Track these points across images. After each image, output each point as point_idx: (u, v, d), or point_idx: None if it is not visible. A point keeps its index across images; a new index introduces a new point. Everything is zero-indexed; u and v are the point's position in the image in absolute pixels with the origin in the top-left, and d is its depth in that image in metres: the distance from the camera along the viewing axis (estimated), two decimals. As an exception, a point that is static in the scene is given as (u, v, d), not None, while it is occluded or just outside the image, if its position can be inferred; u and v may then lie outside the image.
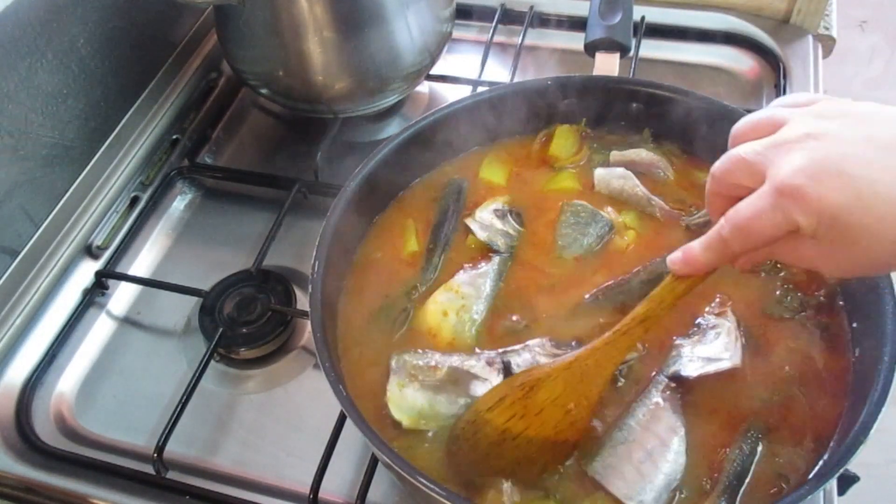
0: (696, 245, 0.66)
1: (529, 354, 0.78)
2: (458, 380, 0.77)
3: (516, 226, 0.91)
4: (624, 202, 0.92)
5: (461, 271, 0.88)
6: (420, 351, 0.81)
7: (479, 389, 0.76)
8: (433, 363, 0.79)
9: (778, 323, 0.81)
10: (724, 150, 0.66)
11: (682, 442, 0.73)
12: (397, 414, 0.76)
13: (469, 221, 0.91)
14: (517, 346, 0.80)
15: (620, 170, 0.93)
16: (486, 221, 0.91)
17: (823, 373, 0.77)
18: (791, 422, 0.74)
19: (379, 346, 0.83)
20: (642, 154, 0.95)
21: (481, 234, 0.90)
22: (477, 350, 0.81)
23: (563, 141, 0.97)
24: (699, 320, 0.80)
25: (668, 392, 0.75)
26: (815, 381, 0.77)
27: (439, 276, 0.88)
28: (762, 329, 0.80)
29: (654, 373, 0.77)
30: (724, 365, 0.76)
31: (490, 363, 0.78)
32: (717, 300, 0.82)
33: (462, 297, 0.85)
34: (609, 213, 0.91)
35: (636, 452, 0.72)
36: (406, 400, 0.77)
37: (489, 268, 0.87)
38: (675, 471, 0.71)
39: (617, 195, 0.92)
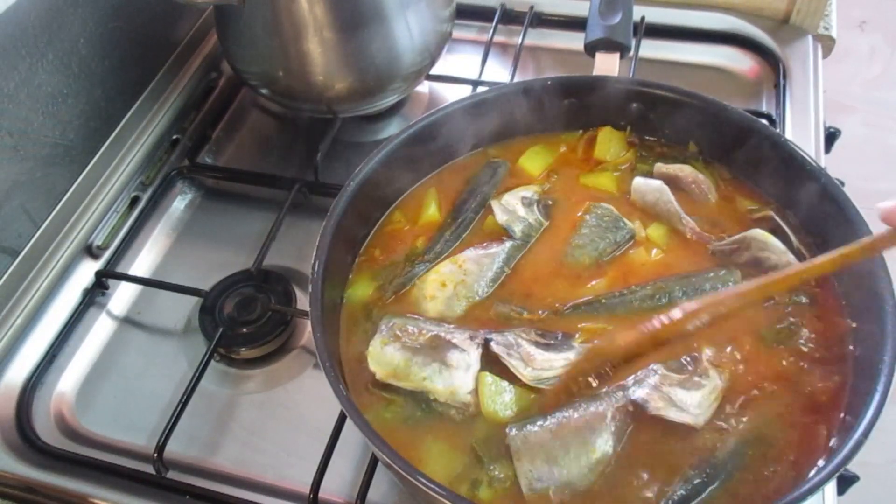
0: None
1: (512, 337, 0.79)
2: (437, 346, 0.79)
3: (540, 217, 0.91)
4: (656, 216, 0.91)
5: (470, 248, 0.89)
6: (410, 316, 0.83)
7: (455, 358, 0.78)
8: (419, 328, 0.81)
9: (782, 360, 0.79)
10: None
11: (602, 461, 0.72)
12: (373, 366, 0.79)
13: (493, 203, 0.92)
14: (503, 330, 0.81)
15: (658, 182, 0.91)
16: (510, 206, 0.92)
17: (812, 417, 0.75)
18: (765, 461, 0.73)
19: (373, 304, 0.86)
20: (686, 170, 0.93)
21: (501, 217, 0.91)
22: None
23: (608, 143, 0.97)
24: (694, 359, 0.78)
25: (620, 412, 0.74)
26: (799, 423, 0.75)
27: (451, 249, 0.89)
28: (765, 365, 0.79)
29: (624, 384, 0.76)
30: (685, 419, 0.74)
31: (472, 337, 0.80)
32: (724, 351, 0.79)
33: (464, 272, 0.86)
34: (635, 224, 0.90)
35: (556, 446, 0.72)
36: (385, 356, 0.79)
37: (498, 250, 0.88)
38: (581, 479, 0.71)
39: (650, 207, 0.92)
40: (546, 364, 0.77)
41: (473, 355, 0.78)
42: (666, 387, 0.76)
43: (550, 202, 0.93)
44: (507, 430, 0.73)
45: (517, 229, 0.90)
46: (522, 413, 0.76)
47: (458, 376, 0.77)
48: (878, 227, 0.79)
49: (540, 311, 0.84)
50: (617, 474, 0.73)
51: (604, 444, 0.73)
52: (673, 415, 0.74)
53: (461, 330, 0.81)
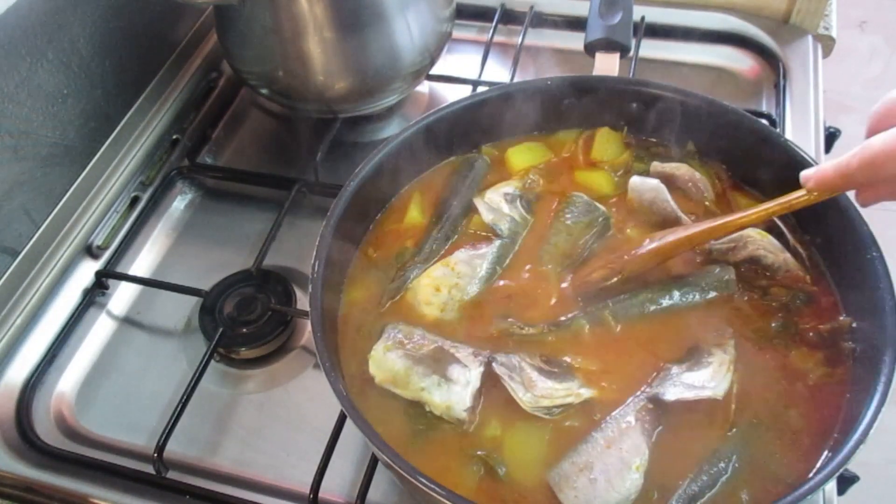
0: (828, 167, 0.72)
1: (517, 360, 0.79)
2: (440, 359, 0.79)
3: (524, 213, 0.91)
4: (653, 215, 0.91)
5: (460, 250, 0.88)
6: (417, 326, 0.82)
7: (456, 373, 0.77)
8: (425, 339, 0.80)
9: (780, 359, 0.79)
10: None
11: (642, 464, 0.72)
12: (373, 369, 0.79)
13: (477, 201, 0.92)
14: (509, 352, 0.80)
15: (654, 181, 0.91)
16: (494, 204, 0.91)
17: (811, 417, 0.75)
18: (764, 463, 0.73)
19: (369, 311, 0.86)
20: (682, 169, 0.93)
21: (487, 216, 0.91)
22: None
23: (605, 144, 0.98)
24: (698, 348, 0.79)
25: (643, 413, 0.75)
26: (799, 423, 0.75)
27: (441, 252, 0.89)
28: (763, 365, 0.79)
29: (638, 392, 0.77)
30: (704, 393, 0.75)
31: (476, 355, 0.79)
32: (721, 331, 0.81)
33: (457, 275, 0.86)
34: (609, 210, 0.90)
35: (595, 467, 0.72)
36: (387, 362, 0.79)
37: (489, 250, 0.88)
38: (630, 491, 0.71)
39: (647, 206, 0.91)
40: (547, 392, 0.76)
41: (475, 373, 0.77)
42: (676, 376, 0.77)
43: (533, 198, 0.93)
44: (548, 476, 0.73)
45: (504, 227, 0.90)
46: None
47: (456, 391, 0.76)
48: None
49: (542, 324, 0.82)
50: (661, 467, 0.73)
51: (638, 449, 0.72)
52: (690, 394, 0.75)
53: (466, 346, 0.80)
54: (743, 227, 0.82)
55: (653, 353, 0.80)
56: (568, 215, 0.91)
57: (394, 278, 0.88)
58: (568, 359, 0.80)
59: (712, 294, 0.84)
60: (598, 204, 0.90)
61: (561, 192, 0.94)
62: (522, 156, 0.98)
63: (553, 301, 0.85)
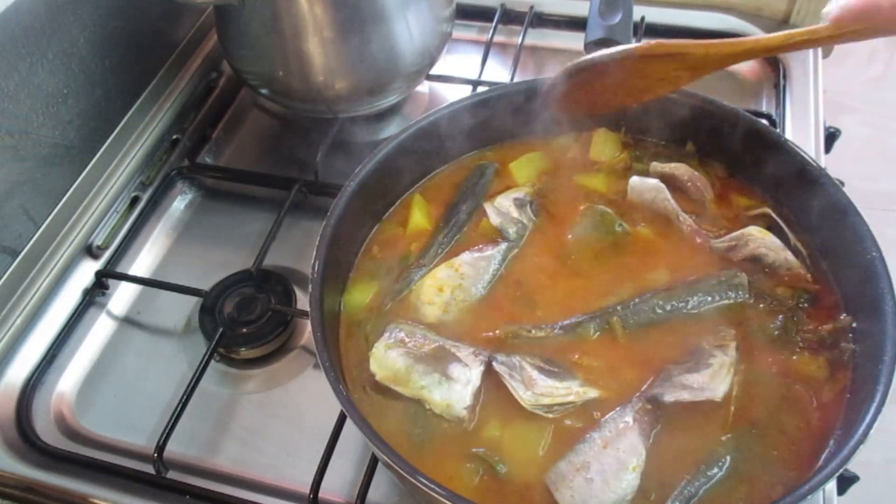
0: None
1: (517, 359, 0.79)
2: (441, 357, 0.79)
3: (534, 218, 0.91)
4: (654, 214, 0.91)
5: (466, 252, 0.89)
6: (418, 325, 0.83)
7: (457, 371, 0.78)
8: (426, 338, 0.81)
9: (782, 360, 0.79)
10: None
11: (639, 464, 0.72)
12: (374, 367, 0.79)
13: (487, 205, 0.92)
14: (510, 352, 0.80)
15: (654, 181, 0.91)
16: (503, 208, 0.92)
17: (811, 417, 0.75)
18: (764, 463, 0.73)
19: (373, 307, 0.86)
20: (682, 169, 0.93)
21: (495, 220, 0.91)
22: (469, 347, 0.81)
23: (603, 145, 0.98)
24: (699, 349, 0.79)
25: (641, 413, 0.75)
26: (799, 423, 0.75)
27: (446, 252, 0.89)
28: (765, 366, 0.79)
29: (638, 393, 0.77)
30: (702, 395, 0.74)
31: (476, 354, 0.79)
32: (723, 332, 0.80)
33: (461, 276, 0.86)
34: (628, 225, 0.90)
35: (592, 467, 0.72)
36: (388, 360, 0.79)
37: (494, 252, 0.88)
38: (626, 491, 0.71)
39: (648, 206, 0.91)
40: (547, 391, 0.76)
41: (475, 372, 0.78)
42: (676, 377, 0.76)
43: (543, 201, 0.93)
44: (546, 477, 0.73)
45: (512, 231, 0.90)
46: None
47: (456, 390, 0.77)
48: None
49: (550, 327, 0.82)
50: (657, 467, 0.73)
51: (635, 449, 0.72)
52: (688, 396, 0.74)
53: (467, 346, 0.80)
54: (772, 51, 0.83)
55: (656, 356, 0.79)
56: (590, 227, 0.90)
57: (397, 279, 0.88)
58: (572, 358, 0.80)
59: (724, 302, 0.83)
60: (623, 222, 0.89)
61: (570, 197, 0.94)
62: (524, 167, 0.97)
63: (561, 304, 0.84)
